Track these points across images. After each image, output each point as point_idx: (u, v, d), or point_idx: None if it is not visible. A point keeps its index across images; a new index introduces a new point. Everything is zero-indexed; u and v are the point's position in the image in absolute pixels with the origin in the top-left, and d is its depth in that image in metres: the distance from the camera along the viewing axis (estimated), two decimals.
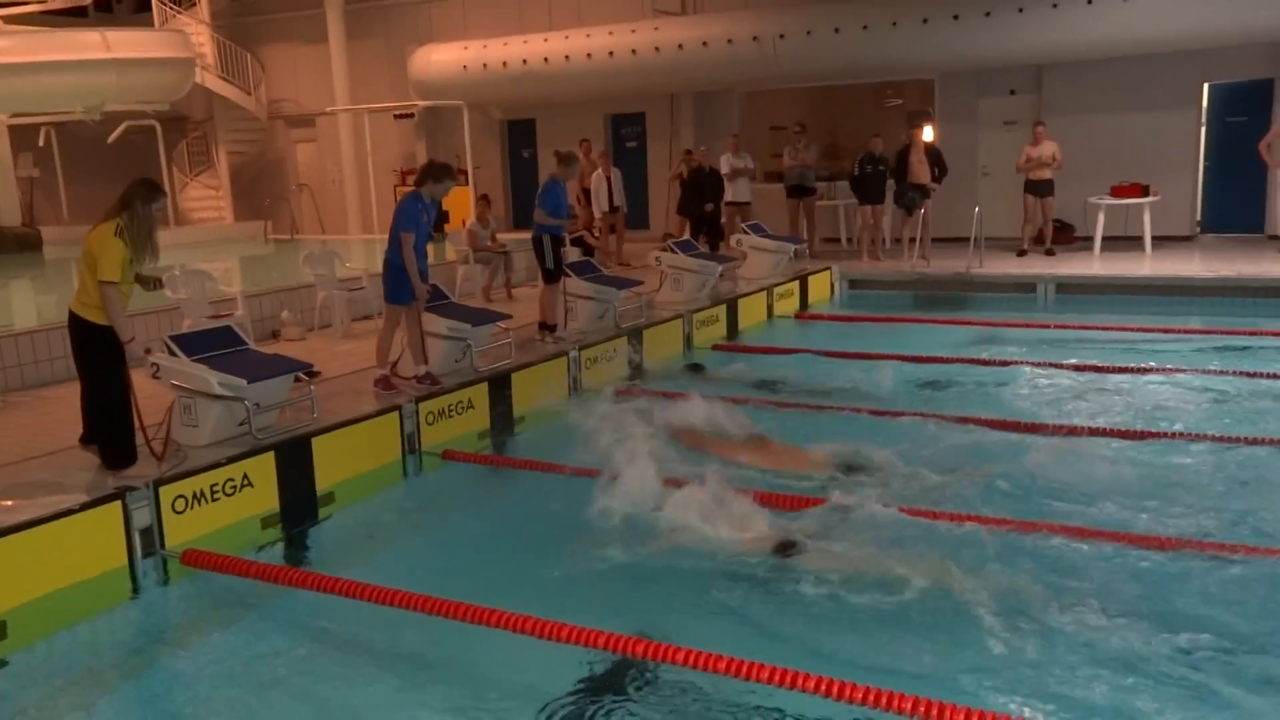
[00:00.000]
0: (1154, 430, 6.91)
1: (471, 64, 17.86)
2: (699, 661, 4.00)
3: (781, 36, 15.31)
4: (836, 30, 14.95)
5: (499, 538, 5.95)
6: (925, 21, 14.33)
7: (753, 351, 10.27)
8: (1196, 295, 11.34)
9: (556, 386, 8.52)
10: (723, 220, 14.84)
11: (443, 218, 15.70)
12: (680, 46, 16.07)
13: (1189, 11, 12.99)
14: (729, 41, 15.73)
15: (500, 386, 7.94)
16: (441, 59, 18.25)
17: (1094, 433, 6.94)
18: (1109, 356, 9.18)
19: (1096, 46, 13.78)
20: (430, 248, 8.05)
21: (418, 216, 7.53)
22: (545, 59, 17.09)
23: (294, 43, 20.83)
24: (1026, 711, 3.79)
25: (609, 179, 14.77)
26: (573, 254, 11.34)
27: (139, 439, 5.88)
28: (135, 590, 5.32)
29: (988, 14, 13.96)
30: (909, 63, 15.26)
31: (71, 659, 4.70)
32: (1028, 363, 8.94)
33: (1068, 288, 12.08)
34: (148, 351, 6.19)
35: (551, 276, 9.39)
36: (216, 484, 5.83)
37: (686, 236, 13.53)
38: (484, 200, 13.18)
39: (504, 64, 17.52)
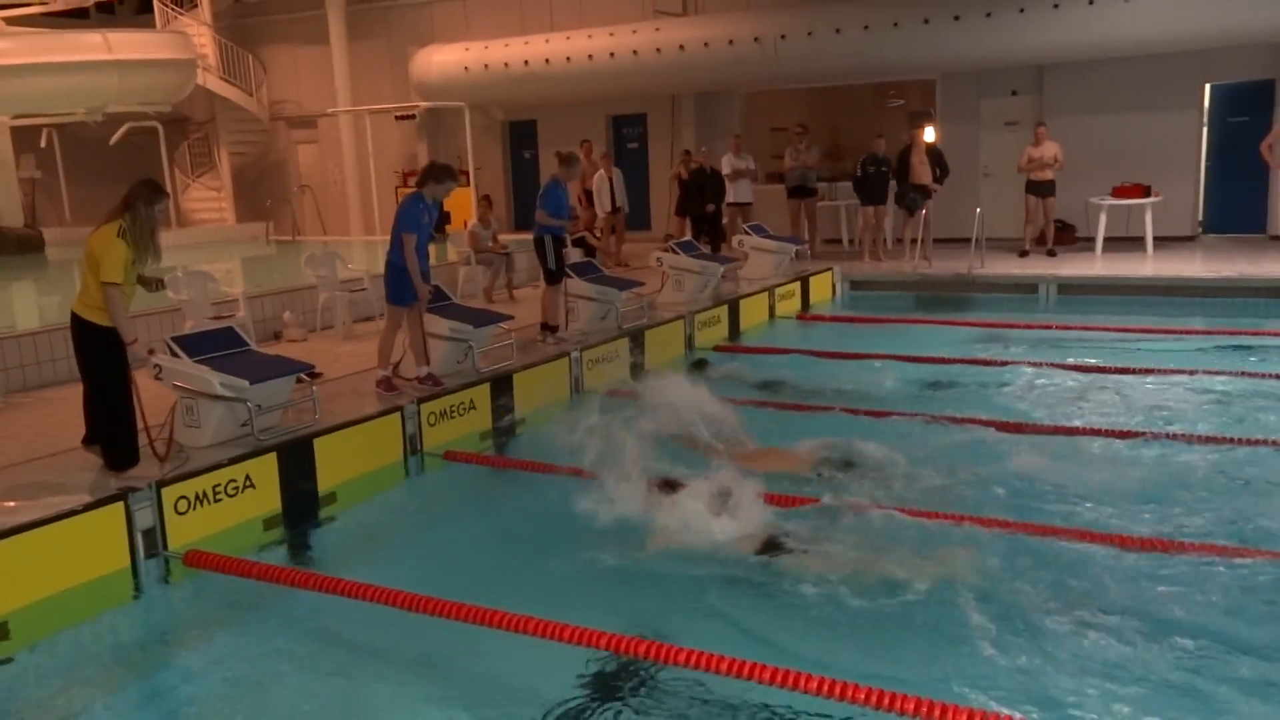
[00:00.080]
0: (1155, 431, 6.90)
1: (473, 65, 17.87)
2: (700, 662, 4.01)
3: (783, 37, 15.31)
4: (838, 31, 14.95)
5: (500, 538, 5.95)
6: (927, 22, 14.33)
7: (754, 352, 10.28)
8: (1198, 296, 11.34)
9: (558, 387, 8.53)
10: (724, 221, 14.84)
11: (444, 219, 15.71)
12: (681, 47, 16.08)
13: (1190, 12, 12.99)
14: (730, 42, 15.73)
15: (502, 387, 7.95)
16: (443, 60, 18.26)
17: (1095, 433, 6.94)
18: (1111, 357, 9.18)
19: (1098, 47, 13.78)
20: (432, 249, 8.06)
21: (419, 218, 7.54)
22: (546, 60, 17.09)
23: (295, 44, 20.85)
24: (1030, 713, 3.79)
25: (611, 180, 14.78)
26: (574, 255, 11.35)
27: (141, 440, 5.89)
28: (138, 591, 5.33)
29: (989, 14, 13.97)
30: (910, 63, 15.26)
31: (74, 660, 4.70)
32: (1029, 363, 8.93)
33: (1069, 288, 12.08)
34: (151, 352, 6.20)
35: (553, 277, 9.40)
36: (219, 485, 5.84)
37: (688, 237, 13.53)
38: (485, 201, 13.19)
39: (505, 65, 17.52)
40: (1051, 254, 13.71)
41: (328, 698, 4.29)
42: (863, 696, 3.69)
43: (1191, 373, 8.39)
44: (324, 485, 6.46)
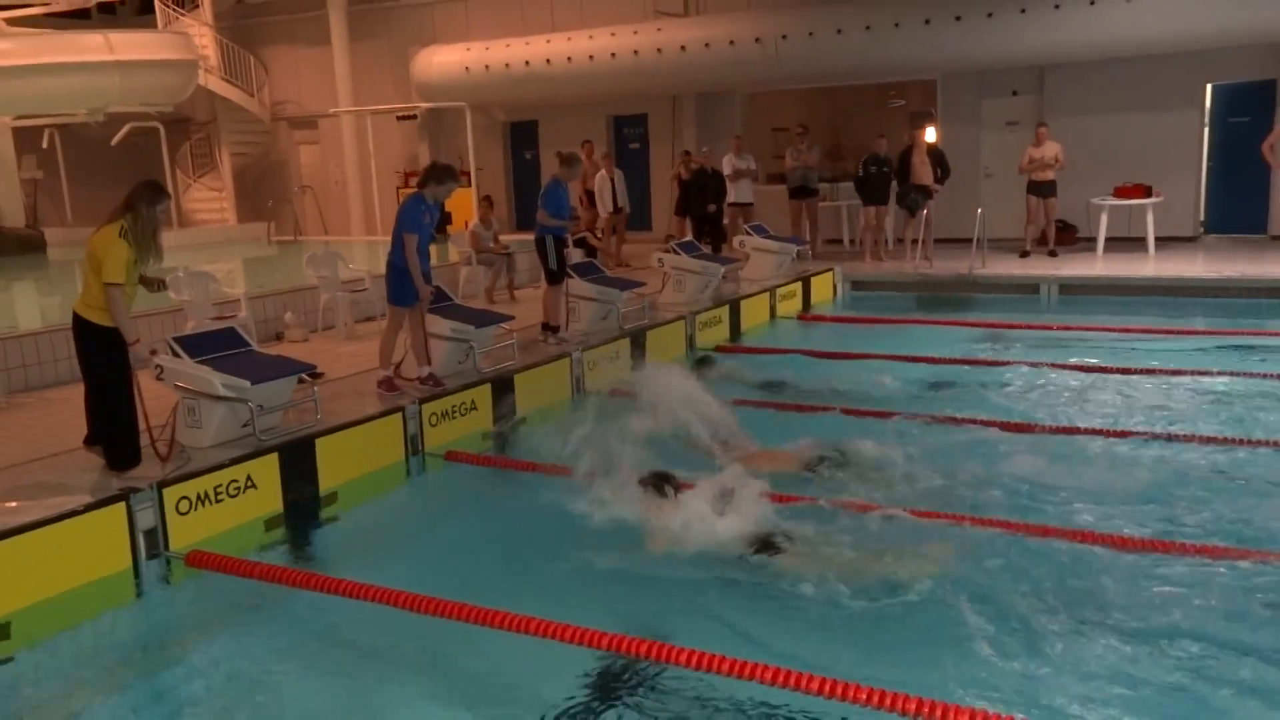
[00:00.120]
0: (1156, 431, 6.91)
1: (474, 65, 17.88)
2: (700, 662, 4.01)
3: (784, 37, 15.31)
4: (839, 31, 14.96)
5: (501, 539, 5.95)
6: (928, 22, 14.33)
7: (755, 353, 10.28)
8: (1199, 296, 11.34)
9: (559, 388, 8.54)
10: (725, 221, 14.84)
11: (445, 219, 15.71)
12: (682, 48, 16.08)
13: (1191, 12, 13.00)
14: (731, 43, 15.74)
15: (503, 388, 7.95)
16: (444, 60, 18.27)
17: (1096, 434, 6.94)
18: (1112, 357, 9.17)
19: (1099, 47, 13.78)
20: (433, 249, 8.07)
21: (420, 218, 7.55)
22: (547, 60, 17.10)
23: (297, 44, 20.87)
24: (1030, 713, 3.79)
25: (612, 180, 14.79)
26: (575, 255, 11.35)
27: (143, 440, 5.89)
28: (139, 592, 5.34)
29: (990, 15, 13.97)
30: (911, 64, 15.26)
31: (75, 660, 4.71)
32: (1030, 364, 8.93)
33: (1071, 289, 12.08)
34: (153, 353, 6.20)
35: (554, 278, 9.40)
36: (220, 485, 5.85)
37: (689, 238, 13.54)
38: (486, 202, 13.20)
39: (506, 65, 17.53)
40: (1053, 254, 13.70)
41: (329, 698, 4.29)
42: (863, 697, 3.69)
43: (1192, 373, 8.39)
44: (325, 485, 6.46)
